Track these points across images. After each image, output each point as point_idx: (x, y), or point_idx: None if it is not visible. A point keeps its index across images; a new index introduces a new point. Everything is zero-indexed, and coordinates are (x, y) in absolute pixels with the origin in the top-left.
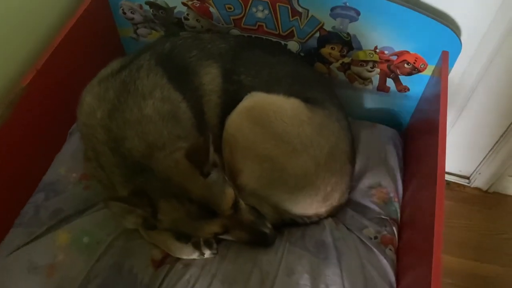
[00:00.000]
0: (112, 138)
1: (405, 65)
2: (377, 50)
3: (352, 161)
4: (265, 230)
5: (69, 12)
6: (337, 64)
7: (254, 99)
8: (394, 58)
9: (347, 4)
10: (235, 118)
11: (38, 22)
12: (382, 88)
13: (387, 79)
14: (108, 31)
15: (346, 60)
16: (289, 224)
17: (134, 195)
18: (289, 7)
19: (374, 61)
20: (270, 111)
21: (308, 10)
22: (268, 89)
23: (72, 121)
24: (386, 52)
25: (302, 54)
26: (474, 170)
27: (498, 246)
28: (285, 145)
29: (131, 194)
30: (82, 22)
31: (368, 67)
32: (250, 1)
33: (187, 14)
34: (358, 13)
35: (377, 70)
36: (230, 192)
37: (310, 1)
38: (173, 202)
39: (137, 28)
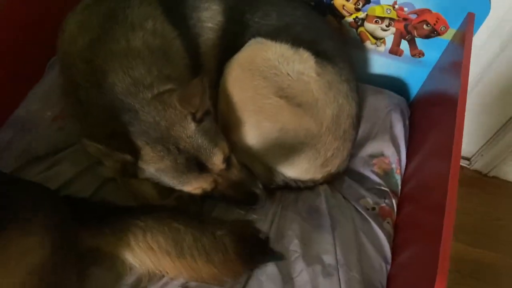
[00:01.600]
0: (93, 70)
1: (424, 26)
2: (396, 6)
3: (357, 126)
4: (256, 190)
5: None
6: (350, 19)
7: (258, 47)
8: (413, 17)
9: None
10: (235, 66)
11: None
12: (395, 51)
13: (402, 41)
14: None
15: (360, 14)
16: (282, 187)
17: (114, 137)
18: None
19: (391, 19)
20: (276, 61)
21: None
22: (276, 35)
23: (53, 52)
24: (405, 9)
25: (312, 3)
26: (477, 151)
27: (494, 232)
28: (288, 102)
29: (111, 135)
30: None
31: (384, 25)
32: None
33: None
34: None
35: (393, 29)
36: (223, 146)
37: None
38: (158, 149)
39: None
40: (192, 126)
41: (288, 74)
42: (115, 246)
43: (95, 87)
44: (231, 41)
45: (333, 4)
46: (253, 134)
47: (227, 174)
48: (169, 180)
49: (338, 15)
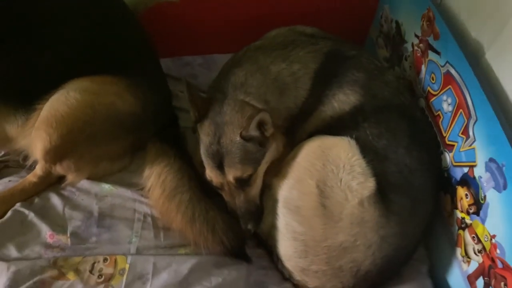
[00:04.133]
0: (242, 56)
1: (503, 284)
2: (493, 240)
3: (360, 281)
4: (243, 224)
5: None
6: (459, 215)
7: (345, 145)
8: (500, 265)
9: (503, 167)
10: (318, 142)
11: None
12: (470, 279)
13: (481, 278)
14: (364, 21)
15: (467, 219)
16: (268, 251)
17: (207, 101)
18: (465, 122)
19: (484, 248)
20: (342, 164)
21: (474, 140)
22: (367, 152)
23: None
24: (498, 251)
25: (446, 174)
26: None
27: None
28: (319, 196)
29: (209, 98)
30: None
31: (476, 248)
32: (447, 88)
33: (408, 56)
34: (505, 186)
35: (479, 260)
36: (245, 169)
37: (483, 133)
38: (210, 128)
39: (379, 36)
40: (237, 136)
41: (340, 181)
42: (150, 152)
43: (232, 64)
44: (336, 127)
45: (458, 189)
46: (281, 193)
47: (235, 190)
48: (201, 151)
49: (454, 202)
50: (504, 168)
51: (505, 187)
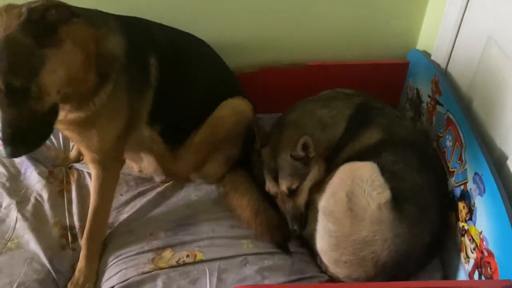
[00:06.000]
0: (296, 104)
1: (488, 269)
2: (481, 236)
3: (379, 271)
4: (290, 225)
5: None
6: (460, 225)
7: (370, 169)
8: (486, 254)
9: (482, 176)
10: (349, 166)
11: None
12: (470, 276)
13: (476, 271)
14: (396, 90)
15: (465, 226)
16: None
17: (264, 131)
18: (460, 150)
19: (477, 246)
20: (365, 179)
21: (466, 163)
22: (385, 173)
23: None
24: (484, 243)
25: (451, 195)
26: None
27: None
28: (348, 202)
29: (266, 132)
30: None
31: (471, 247)
32: (448, 129)
33: (424, 112)
34: (484, 191)
35: (475, 255)
36: (294, 182)
37: (471, 154)
38: (270, 152)
39: (406, 102)
40: (288, 155)
41: (364, 191)
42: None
43: (289, 110)
44: (364, 156)
45: (458, 204)
46: (320, 203)
47: (286, 198)
48: (263, 169)
49: (457, 216)
50: (482, 177)
51: (484, 191)
